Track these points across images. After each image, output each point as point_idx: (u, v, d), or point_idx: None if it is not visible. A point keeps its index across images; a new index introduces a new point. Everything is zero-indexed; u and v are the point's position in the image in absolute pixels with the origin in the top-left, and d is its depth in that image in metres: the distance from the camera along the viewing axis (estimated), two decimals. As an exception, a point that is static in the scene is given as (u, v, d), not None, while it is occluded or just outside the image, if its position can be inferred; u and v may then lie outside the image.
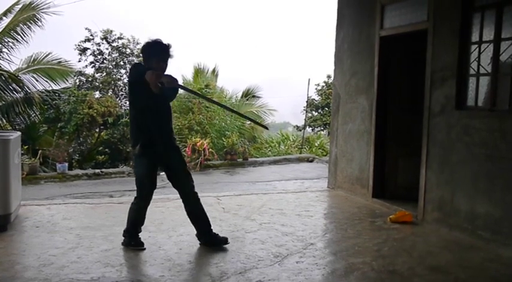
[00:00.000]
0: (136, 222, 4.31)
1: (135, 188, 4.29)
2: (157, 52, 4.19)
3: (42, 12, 13.76)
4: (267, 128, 4.81)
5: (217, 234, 4.38)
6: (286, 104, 23.69)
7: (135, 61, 16.50)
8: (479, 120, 4.62)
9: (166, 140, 4.25)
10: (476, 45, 4.75)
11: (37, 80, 14.60)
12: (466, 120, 4.76)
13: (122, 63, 16.45)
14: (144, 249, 4.20)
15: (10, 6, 13.72)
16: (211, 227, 4.39)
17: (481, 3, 4.72)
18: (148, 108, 4.10)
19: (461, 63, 4.85)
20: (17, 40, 13.69)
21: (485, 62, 4.67)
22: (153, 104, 4.10)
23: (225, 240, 4.34)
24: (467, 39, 4.82)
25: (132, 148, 4.26)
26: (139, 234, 4.34)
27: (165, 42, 4.22)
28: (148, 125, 4.13)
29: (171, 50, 4.22)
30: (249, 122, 16.89)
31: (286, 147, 16.52)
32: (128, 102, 4.43)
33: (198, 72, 18.28)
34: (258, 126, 5.30)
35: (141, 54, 4.64)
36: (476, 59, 4.75)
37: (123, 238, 4.33)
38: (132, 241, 4.26)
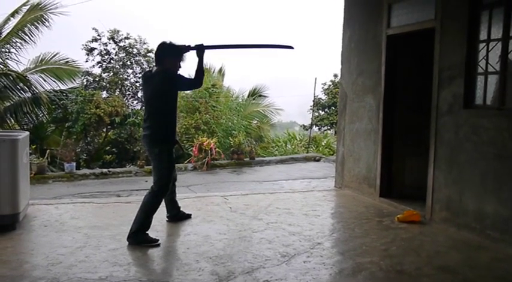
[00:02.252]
0: (152, 216, 4.47)
1: (160, 181, 4.50)
2: (173, 52, 4.56)
3: (49, 12, 13.83)
4: (292, 48, 5.05)
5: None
6: (292, 103, 23.67)
7: (142, 61, 16.57)
8: (487, 119, 4.59)
9: None
10: (485, 44, 4.72)
11: (45, 80, 14.68)
12: (474, 119, 4.73)
13: (128, 63, 16.50)
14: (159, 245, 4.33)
15: (18, 7, 13.81)
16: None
17: (489, 1, 4.69)
18: (175, 109, 4.62)
19: (469, 61, 4.82)
20: (25, 40, 13.77)
21: (494, 60, 4.64)
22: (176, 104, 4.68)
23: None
24: (475, 37, 4.79)
25: (164, 144, 4.54)
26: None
27: (178, 43, 4.59)
28: (175, 123, 4.65)
29: (185, 50, 4.60)
30: (255, 121, 16.89)
31: (293, 146, 16.51)
32: (148, 102, 4.67)
33: (205, 71, 18.27)
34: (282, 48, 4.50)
35: (154, 54, 4.82)
36: (485, 58, 4.72)
37: (131, 239, 4.34)
38: (148, 237, 4.37)
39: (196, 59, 4.62)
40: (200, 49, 4.59)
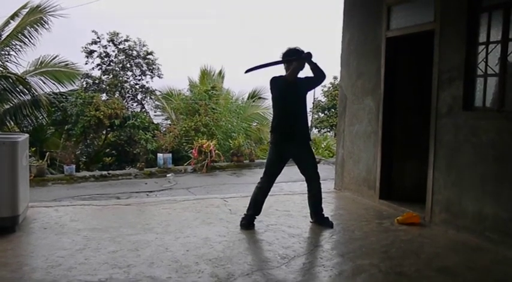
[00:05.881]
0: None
1: (317, 168, 5.19)
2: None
3: (49, 15, 13.86)
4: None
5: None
6: (292, 105, 23.58)
7: (142, 63, 16.59)
8: (487, 121, 4.59)
9: None
10: (484, 46, 4.72)
11: (44, 83, 14.73)
12: (473, 121, 4.73)
13: (128, 65, 16.52)
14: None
15: (18, 10, 13.83)
16: None
17: (488, 4, 4.69)
18: None
19: (469, 63, 4.82)
20: (25, 43, 13.80)
21: (493, 62, 4.64)
22: None
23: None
24: (475, 39, 4.79)
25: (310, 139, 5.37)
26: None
27: (286, 49, 5.05)
28: None
29: (287, 54, 5.03)
30: (255, 124, 16.86)
31: (293, 148, 16.44)
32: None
33: (205, 74, 18.32)
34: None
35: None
36: (484, 60, 4.72)
37: (325, 219, 5.15)
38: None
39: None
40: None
